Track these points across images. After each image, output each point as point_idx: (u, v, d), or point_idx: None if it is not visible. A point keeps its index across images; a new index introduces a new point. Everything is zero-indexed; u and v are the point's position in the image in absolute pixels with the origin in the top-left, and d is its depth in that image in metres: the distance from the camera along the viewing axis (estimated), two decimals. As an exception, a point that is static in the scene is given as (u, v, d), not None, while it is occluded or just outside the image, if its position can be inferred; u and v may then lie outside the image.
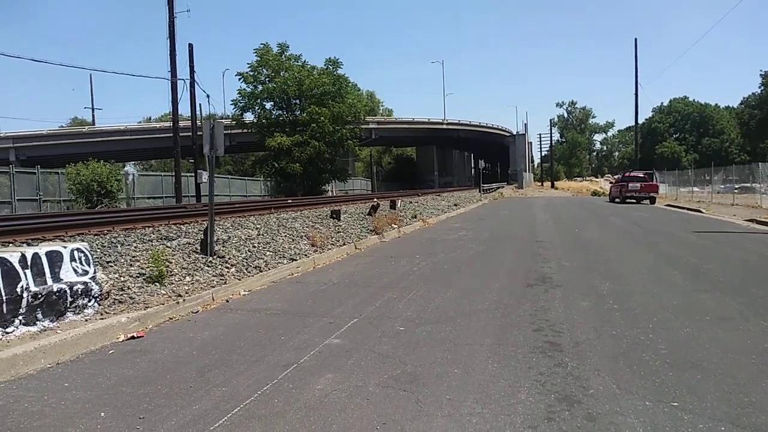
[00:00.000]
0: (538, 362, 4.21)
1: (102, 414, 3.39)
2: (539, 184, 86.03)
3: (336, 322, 5.54)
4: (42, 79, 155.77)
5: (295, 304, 6.41)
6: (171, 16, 22.74)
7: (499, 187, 53.79)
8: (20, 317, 4.66)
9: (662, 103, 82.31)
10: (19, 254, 4.74)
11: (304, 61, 38.50)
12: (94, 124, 51.45)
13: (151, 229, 9.54)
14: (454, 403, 3.45)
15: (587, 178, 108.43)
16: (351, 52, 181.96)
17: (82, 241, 7.12)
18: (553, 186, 78.63)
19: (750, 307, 5.99)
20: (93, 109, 53.66)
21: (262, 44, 37.05)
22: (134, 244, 8.07)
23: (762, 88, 47.11)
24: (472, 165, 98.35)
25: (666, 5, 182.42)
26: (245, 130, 38.38)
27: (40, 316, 4.85)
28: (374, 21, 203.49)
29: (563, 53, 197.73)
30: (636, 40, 47.16)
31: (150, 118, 73.81)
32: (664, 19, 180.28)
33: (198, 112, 29.99)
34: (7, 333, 4.53)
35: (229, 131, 45.45)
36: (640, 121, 73.08)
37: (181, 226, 10.34)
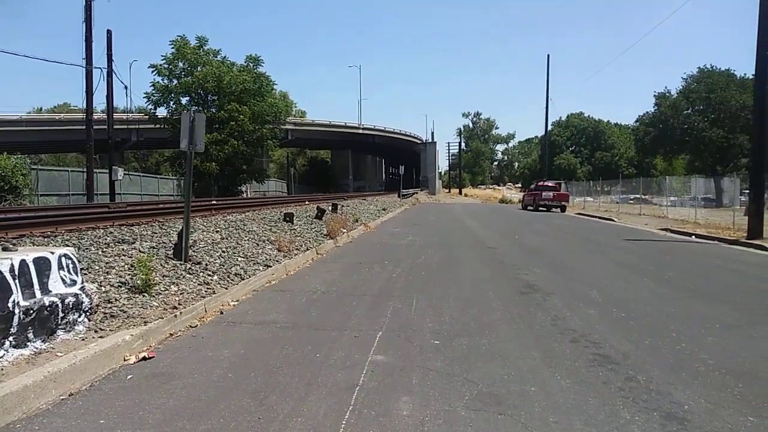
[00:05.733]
0: (607, 377, 4.10)
1: (175, 458, 2.81)
2: (447, 190, 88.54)
3: (361, 336, 5.14)
4: None
5: (299, 316, 5.89)
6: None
7: (414, 193, 54.57)
8: (11, 338, 3.85)
9: (560, 117, 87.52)
10: (9, 262, 3.93)
11: (224, 57, 36.89)
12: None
13: (101, 231, 8.48)
14: (565, 428, 3.22)
15: (490, 186, 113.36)
16: (264, 52, 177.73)
17: (61, 245, 6.16)
18: (460, 193, 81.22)
19: (743, 313, 6.32)
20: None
21: (179, 36, 35.04)
22: (92, 248, 7.09)
23: (656, 107, 51.72)
24: (383, 170, 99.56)
25: (571, 26, 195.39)
26: (158, 126, 35.99)
27: (31, 335, 4.04)
28: (287, 22, 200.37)
29: (471, 62, 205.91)
30: (549, 56, 49.47)
31: (41, 109, 67.50)
32: (568, 37, 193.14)
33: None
34: (-2, 358, 3.72)
35: (136, 126, 42.78)
36: (541, 133, 77.50)
37: (132, 227, 9.31)
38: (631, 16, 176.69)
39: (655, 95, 52.47)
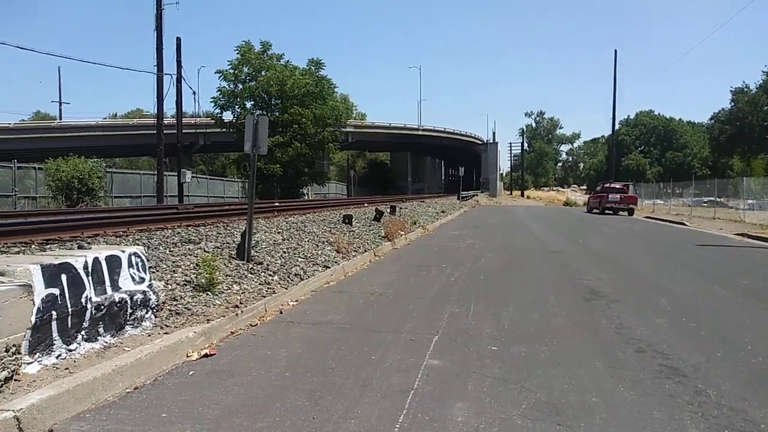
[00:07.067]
0: (674, 390, 3.87)
1: (232, 455, 2.87)
2: (509, 192, 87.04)
3: (417, 339, 5.10)
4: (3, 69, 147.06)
5: (357, 318, 5.93)
6: (159, 8, 21.81)
7: (474, 195, 53.99)
8: (83, 332, 4.06)
9: (629, 116, 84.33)
10: (83, 260, 4.14)
11: (287, 61, 37.73)
12: (61, 118, 49.14)
13: (170, 231, 8.86)
14: (629, 441, 3.07)
15: (554, 188, 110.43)
16: (323, 55, 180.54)
17: (132, 244, 6.48)
18: (523, 195, 79.62)
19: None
20: (60, 103, 51.35)
21: (244, 42, 36.15)
22: (161, 248, 7.42)
23: (732, 104, 48.83)
24: (443, 172, 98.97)
25: (642, 20, 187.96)
26: (224, 130, 37.26)
27: (101, 330, 4.25)
28: (348, 25, 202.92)
29: (534, 62, 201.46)
30: (615, 51, 47.81)
31: (116, 115, 71.40)
32: (636, 32, 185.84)
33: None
34: (71, 351, 3.92)
35: (204, 130, 44.48)
36: (607, 132, 74.88)
37: (198, 228, 9.67)
38: (701, 10, 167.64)
39: (731, 91, 49.57)
